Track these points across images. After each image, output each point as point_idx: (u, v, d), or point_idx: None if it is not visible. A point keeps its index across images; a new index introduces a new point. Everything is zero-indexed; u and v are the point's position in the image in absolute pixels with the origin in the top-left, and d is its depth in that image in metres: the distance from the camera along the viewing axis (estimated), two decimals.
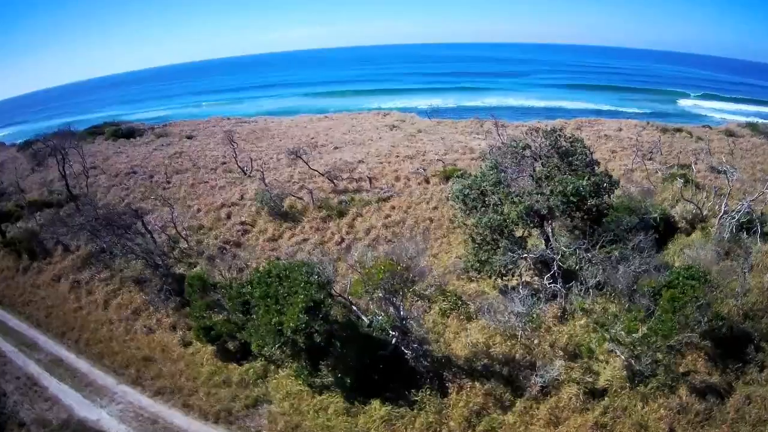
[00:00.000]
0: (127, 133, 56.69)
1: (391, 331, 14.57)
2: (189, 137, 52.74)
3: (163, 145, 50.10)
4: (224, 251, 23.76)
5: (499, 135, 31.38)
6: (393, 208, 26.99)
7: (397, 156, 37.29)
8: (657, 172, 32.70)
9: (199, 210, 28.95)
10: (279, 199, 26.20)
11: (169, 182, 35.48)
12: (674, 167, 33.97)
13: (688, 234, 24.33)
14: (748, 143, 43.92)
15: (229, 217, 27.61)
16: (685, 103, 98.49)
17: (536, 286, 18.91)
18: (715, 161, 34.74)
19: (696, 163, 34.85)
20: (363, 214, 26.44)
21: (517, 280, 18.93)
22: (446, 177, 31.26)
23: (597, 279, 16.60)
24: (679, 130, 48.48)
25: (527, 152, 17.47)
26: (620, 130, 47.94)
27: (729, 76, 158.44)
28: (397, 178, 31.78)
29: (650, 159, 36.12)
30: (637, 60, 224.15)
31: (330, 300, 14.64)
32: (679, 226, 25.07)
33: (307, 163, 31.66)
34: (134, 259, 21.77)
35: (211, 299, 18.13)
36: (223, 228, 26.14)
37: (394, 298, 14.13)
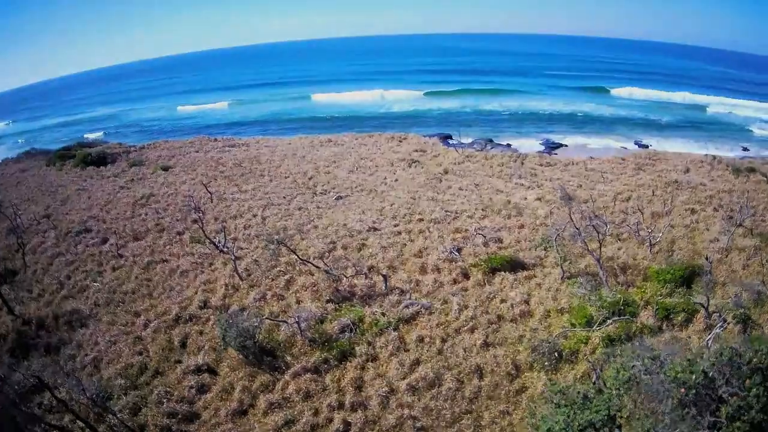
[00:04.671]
0: (97, 159, 49.55)
1: None
2: (165, 168, 44.58)
3: (133, 179, 42.44)
4: None
5: (570, 213, 22.26)
6: (421, 341, 18.12)
7: (421, 219, 28.42)
8: (756, 252, 23.59)
9: (147, 324, 20.49)
10: (250, 335, 17.43)
11: (121, 255, 27.16)
12: None
13: None
14: None
15: (183, 345, 19.05)
16: (715, 110, 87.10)
17: None
18: None
19: None
20: (377, 354, 17.65)
21: None
22: (492, 269, 22.45)
23: None
24: (751, 170, 39.89)
25: (700, 389, 8.75)
26: (688, 171, 38.80)
27: (745, 73, 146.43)
28: (423, 269, 22.96)
29: (740, 225, 26.82)
30: (650, 54, 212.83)
31: None
32: None
33: (294, 253, 22.84)
34: None
35: None
36: (173, 375, 17.57)
37: None
